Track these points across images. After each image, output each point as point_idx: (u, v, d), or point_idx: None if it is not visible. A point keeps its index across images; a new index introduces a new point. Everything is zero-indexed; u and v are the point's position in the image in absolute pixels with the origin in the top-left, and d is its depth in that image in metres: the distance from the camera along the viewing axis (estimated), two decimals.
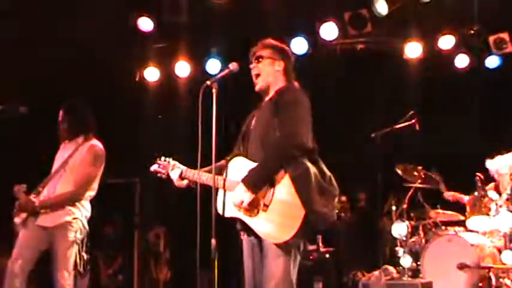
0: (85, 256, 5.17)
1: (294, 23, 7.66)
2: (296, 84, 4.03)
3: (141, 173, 8.43)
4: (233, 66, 3.95)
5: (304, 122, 3.75)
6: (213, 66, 8.22)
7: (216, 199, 3.84)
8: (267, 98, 4.01)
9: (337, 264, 7.62)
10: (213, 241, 3.63)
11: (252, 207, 3.71)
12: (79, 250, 5.07)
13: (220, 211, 3.84)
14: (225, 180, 3.86)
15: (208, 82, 3.84)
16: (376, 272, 6.60)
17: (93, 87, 7.43)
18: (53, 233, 4.96)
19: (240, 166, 3.86)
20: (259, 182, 3.68)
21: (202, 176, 3.98)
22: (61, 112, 5.23)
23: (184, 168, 4.17)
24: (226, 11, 7.34)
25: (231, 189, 3.79)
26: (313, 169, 3.66)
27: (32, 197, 4.98)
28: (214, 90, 3.83)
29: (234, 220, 3.83)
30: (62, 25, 6.88)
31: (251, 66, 4.04)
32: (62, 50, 7.10)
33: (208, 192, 3.87)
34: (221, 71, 4.00)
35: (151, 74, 8.44)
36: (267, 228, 3.68)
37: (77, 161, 5.08)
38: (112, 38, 7.23)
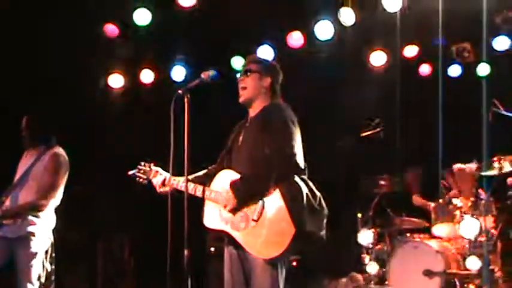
0: (49, 267, 5.08)
1: (261, 30, 7.68)
2: (281, 101, 4.06)
3: (102, 180, 8.32)
4: (205, 75, 3.94)
5: (296, 140, 3.79)
6: (179, 73, 8.18)
7: (188, 210, 3.76)
8: (252, 113, 4.06)
9: (304, 271, 7.62)
10: (186, 252, 3.60)
11: (240, 221, 3.73)
12: (43, 261, 4.98)
13: (207, 223, 3.86)
14: (215, 191, 3.87)
15: (180, 91, 3.82)
16: (343, 280, 6.64)
17: (56, 95, 7.29)
18: (16, 244, 4.86)
19: (227, 178, 3.87)
20: (246, 192, 3.72)
21: (189, 185, 3.92)
22: (23, 121, 5.13)
23: (168, 175, 4.12)
24: (192, 17, 7.32)
25: (218, 201, 3.82)
26: (305, 189, 3.68)
27: None
28: (186, 99, 3.81)
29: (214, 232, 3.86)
30: (27, 31, 6.77)
31: (239, 78, 4.08)
32: (24, 56, 6.97)
33: (179, 201, 3.85)
34: (188, 79, 4.00)
35: (116, 81, 8.35)
36: (255, 243, 3.69)
37: (39, 169, 4.98)
38: (77, 44, 7.12)
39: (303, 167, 3.78)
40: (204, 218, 3.89)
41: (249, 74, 4.05)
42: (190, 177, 3.96)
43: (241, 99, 4.06)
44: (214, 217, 3.85)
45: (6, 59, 6.83)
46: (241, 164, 3.90)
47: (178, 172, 3.97)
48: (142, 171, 4.27)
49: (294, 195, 3.65)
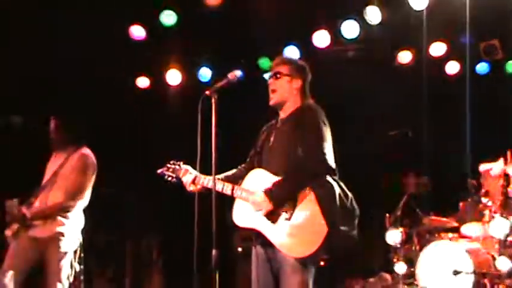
0: (78, 267, 5.13)
1: (287, 31, 7.67)
2: (312, 102, 4.06)
3: (131, 181, 8.38)
4: (232, 76, 3.92)
5: (328, 141, 3.81)
6: (205, 74, 8.22)
7: (216, 210, 3.76)
8: (282, 115, 4.05)
9: (332, 271, 7.59)
10: (214, 252, 3.60)
11: (273, 220, 3.74)
12: (71, 261, 5.04)
13: (237, 221, 3.87)
14: (246, 190, 3.87)
15: (207, 92, 3.81)
16: (372, 279, 6.60)
17: (85, 97, 7.37)
18: (45, 244, 4.93)
19: (260, 178, 3.89)
20: (281, 196, 3.72)
21: (218, 184, 3.94)
22: (52, 123, 5.19)
23: (198, 174, 4.12)
24: (219, 18, 7.34)
25: (249, 200, 3.82)
26: (337, 189, 3.69)
27: (24, 208, 4.93)
28: (213, 100, 3.80)
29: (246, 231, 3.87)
30: (54, 33, 6.84)
31: (268, 81, 4.06)
32: (54, 58, 7.06)
33: (207, 200, 3.85)
34: (219, 80, 3.99)
35: (144, 82, 8.42)
36: (287, 242, 3.70)
37: (67, 170, 5.04)
38: (104, 47, 7.18)
39: (334, 168, 3.79)
40: (234, 216, 3.91)
41: (278, 76, 4.03)
42: (219, 176, 3.99)
43: (271, 102, 4.06)
44: (245, 215, 3.85)
45: (34, 60, 6.92)
46: (274, 164, 3.90)
47: (206, 172, 3.99)
48: (171, 170, 4.25)
49: (326, 195, 3.65)
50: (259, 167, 3.98)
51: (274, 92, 4.03)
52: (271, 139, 4.01)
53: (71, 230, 5.01)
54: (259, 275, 3.90)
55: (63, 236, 4.95)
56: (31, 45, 6.80)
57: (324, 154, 3.74)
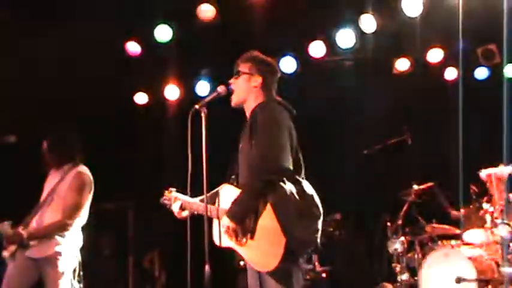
0: (77, 286, 5.10)
1: (283, 42, 7.67)
2: (276, 99, 3.91)
3: (134, 197, 8.37)
4: (221, 89, 3.91)
5: (277, 141, 3.59)
6: (203, 88, 8.22)
7: (209, 227, 3.77)
8: (247, 117, 3.92)
9: (334, 283, 7.55)
10: (207, 267, 3.59)
11: (241, 236, 3.66)
12: (71, 280, 5.01)
13: (216, 241, 3.78)
14: (217, 210, 3.80)
15: (196, 106, 3.79)
16: None
17: (82, 113, 7.38)
18: (43, 264, 4.91)
19: (228, 194, 3.82)
20: (241, 213, 3.61)
21: (200, 207, 3.92)
22: (45, 142, 5.17)
23: (184, 198, 4.10)
24: (215, 32, 7.34)
25: (216, 217, 3.78)
26: (293, 190, 3.55)
27: (21, 228, 4.91)
28: (203, 114, 3.78)
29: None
30: (48, 50, 6.86)
31: (230, 81, 3.96)
32: (51, 75, 7.07)
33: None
34: (210, 93, 3.97)
35: (141, 98, 8.43)
36: (254, 257, 3.64)
37: (63, 189, 5.02)
38: (100, 63, 7.19)
39: (290, 168, 3.61)
40: (213, 236, 3.81)
41: (237, 75, 3.92)
42: (202, 197, 3.90)
43: (232, 103, 3.95)
44: (219, 234, 3.76)
45: (27, 76, 6.93)
46: (241, 175, 3.81)
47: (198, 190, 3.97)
48: (167, 199, 4.25)
49: (280, 202, 3.51)
50: (234, 179, 3.88)
51: (233, 92, 3.92)
52: (240, 145, 3.89)
53: (69, 248, 4.99)
54: (251, 284, 3.85)
55: (60, 255, 4.92)
56: (25, 63, 6.81)
57: (273, 158, 3.54)
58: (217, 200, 3.87)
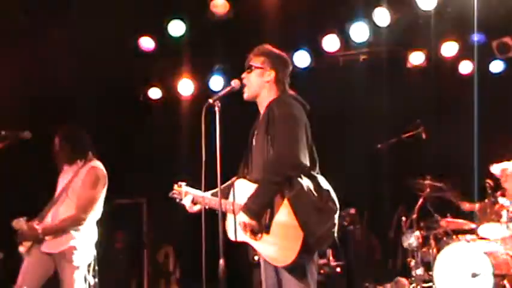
0: (92, 281, 5.13)
1: (296, 36, 7.65)
2: (290, 94, 3.90)
3: (148, 192, 8.40)
4: (235, 83, 3.89)
5: (295, 137, 3.60)
6: (217, 83, 8.22)
7: (223, 222, 3.77)
8: (261, 111, 3.89)
9: (349, 278, 7.53)
10: (221, 261, 3.59)
11: (257, 231, 3.66)
12: (85, 275, 5.04)
13: (231, 236, 3.79)
14: (233, 204, 3.78)
15: (210, 100, 3.78)
16: (388, 285, 6.53)
17: (97, 108, 7.41)
18: (58, 259, 4.93)
19: (242, 189, 3.81)
20: (257, 209, 3.60)
21: (212, 201, 3.93)
22: (56, 139, 5.18)
23: (195, 192, 4.10)
24: (228, 26, 7.33)
25: (232, 212, 3.77)
26: (310, 186, 3.55)
27: (35, 223, 4.93)
28: (217, 108, 3.77)
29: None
30: (62, 49, 6.88)
31: (242, 75, 3.94)
32: (64, 71, 7.10)
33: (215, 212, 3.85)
34: (223, 88, 3.96)
35: (155, 93, 8.45)
36: (270, 252, 3.64)
37: (77, 184, 5.04)
38: (114, 58, 7.21)
39: (307, 164, 3.61)
40: (227, 232, 3.80)
41: (250, 69, 3.90)
42: (214, 191, 3.93)
43: (244, 97, 3.92)
44: (234, 229, 3.76)
45: (42, 74, 6.96)
46: (255, 169, 3.81)
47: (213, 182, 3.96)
48: (177, 193, 4.24)
49: (298, 198, 3.51)
50: (246, 173, 3.88)
51: (245, 86, 3.90)
52: (254, 140, 3.88)
53: (84, 243, 5.00)
54: (266, 280, 3.85)
55: (75, 249, 4.94)
56: (38, 60, 6.84)
57: (291, 154, 3.55)
58: (231, 195, 3.84)
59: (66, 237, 4.93)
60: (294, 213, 3.51)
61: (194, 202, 4.10)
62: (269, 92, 3.88)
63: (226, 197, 3.88)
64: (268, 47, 3.98)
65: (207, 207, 4.03)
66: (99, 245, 5.18)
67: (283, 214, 3.57)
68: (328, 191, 3.62)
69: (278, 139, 3.61)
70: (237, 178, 3.94)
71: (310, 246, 3.52)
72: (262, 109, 3.89)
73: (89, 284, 5.10)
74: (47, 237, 4.92)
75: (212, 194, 4.01)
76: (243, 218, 3.63)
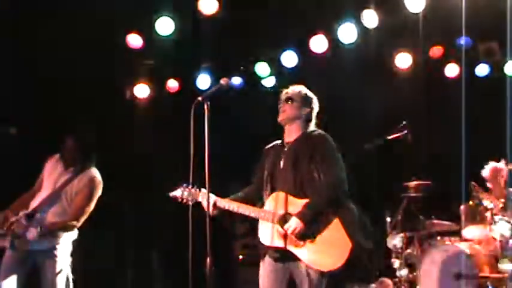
0: (71, 277, 5.10)
1: (284, 36, 7.66)
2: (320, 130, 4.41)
3: (132, 191, 8.35)
4: (224, 81, 3.97)
5: (343, 168, 4.26)
6: (204, 81, 8.21)
7: (210, 222, 3.96)
8: (288, 139, 4.38)
9: (333, 278, 7.53)
10: (208, 259, 3.60)
11: (303, 237, 4.07)
12: (67, 274, 5.02)
13: (265, 241, 4.19)
14: (273, 214, 4.18)
15: (199, 98, 3.83)
16: (373, 285, 6.55)
17: (82, 106, 7.36)
18: (41, 256, 4.92)
19: (282, 200, 4.21)
20: (311, 216, 4.09)
21: (240, 208, 4.28)
22: (69, 141, 5.13)
23: (216, 197, 4.29)
24: (216, 25, 7.33)
25: (271, 220, 4.16)
26: (355, 209, 4.17)
27: (12, 216, 4.88)
28: (206, 106, 3.81)
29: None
30: (51, 44, 6.84)
31: (280, 105, 4.40)
32: (50, 69, 7.05)
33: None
34: (212, 86, 3.99)
35: (142, 91, 8.42)
36: (316, 258, 4.08)
37: (74, 190, 5.03)
38: (101, 56, 7.17)
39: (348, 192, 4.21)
40: (261, 237, 4.21)
41: (290, 102, 4.38)
42: (233, 197, 4.38)
43: (280, 118, 4.38)
44: (271, 235, 4.17)
45: (28, 70, 6.92)
46: (287, 187, 4.22)
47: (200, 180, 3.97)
48: (187, 193, 4.32)
49: (350, 218, 4.11)
50: (272, 188, 4.31)
51: (284, 112, 4.38)
52: (281, 162, 4.33)
53: (67, 241, 5.03)
54: (272, 283, 4.24)
55: (59, 248, 4.95)
56: (27, 56, 6.80)
57: (344, 180, 4.19)
58: (268, 205, 4.25)
59: (51, 237, 4.92)
60: (345, 229, 4.07)
61: (216, 206, 4.29)
62: (302, 123, 4.42)
63: (249, 203, 4.31)
64: (301, 87, 4.49)
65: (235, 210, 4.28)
66: (84, 245, 5.18)
67: (333, 229, 4.09)
68: (366, 218, 4.32)
69: (332, 168, 4.20)
70: (252, 189, 4.46)
71: (355, 256, 4.05)
72: (290, 136, 4.39)
73: (72, 281, 5.07)
74: (30, 236, 4.84)
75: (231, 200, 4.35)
76: (295, 223, 4.05)
